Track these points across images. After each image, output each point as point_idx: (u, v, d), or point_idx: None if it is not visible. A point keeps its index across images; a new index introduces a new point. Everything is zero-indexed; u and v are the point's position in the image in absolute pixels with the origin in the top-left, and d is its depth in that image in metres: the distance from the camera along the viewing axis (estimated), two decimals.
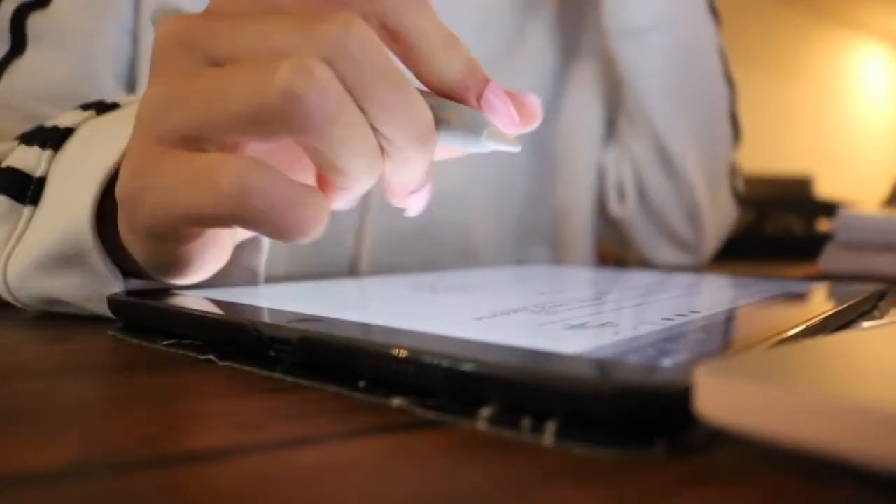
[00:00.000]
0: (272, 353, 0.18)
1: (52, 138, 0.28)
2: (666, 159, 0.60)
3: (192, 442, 0.13)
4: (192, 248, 0.22)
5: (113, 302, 0.24)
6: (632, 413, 0.13)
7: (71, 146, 0.27)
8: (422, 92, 0.21)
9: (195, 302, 0.23)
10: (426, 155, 0.21)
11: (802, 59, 3.93)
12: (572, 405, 0.13)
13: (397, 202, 0.23)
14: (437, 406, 0.15)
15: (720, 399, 0.11)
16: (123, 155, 0.23)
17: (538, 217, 0.62)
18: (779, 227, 1.71)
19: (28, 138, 0.29)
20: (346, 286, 0.30)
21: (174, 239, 0.21)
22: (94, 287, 0.25)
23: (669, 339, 0.17)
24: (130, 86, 0.49)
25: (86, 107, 0.30)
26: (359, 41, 0.18)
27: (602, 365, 0.14)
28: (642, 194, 0.63)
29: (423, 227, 0.55)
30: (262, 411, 0.15)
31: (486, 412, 0.14)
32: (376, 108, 0.19)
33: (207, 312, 0.21)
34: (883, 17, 4.08)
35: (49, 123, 0.29)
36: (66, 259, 0.24)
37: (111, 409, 0.15)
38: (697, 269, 0.60)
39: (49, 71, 0.45)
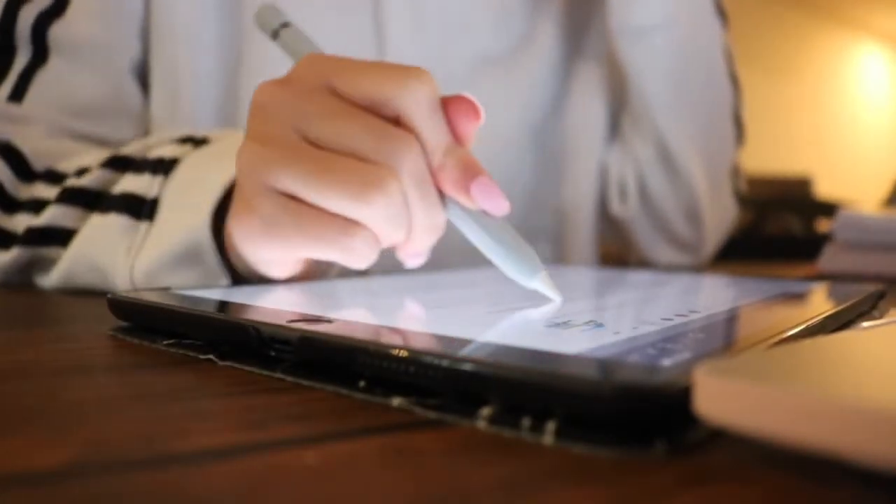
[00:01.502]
0: (272, 353, 0.18)
1: (162, 167, 0.34)
2: (668, 160, 0.60)
3: (192, 442, 0.13)
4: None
5: (113, 302, 0.24)
6: (632, 413, 0.13)
7: (179, 174, 0.33)
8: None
9: (195, 302, 0.23)
10: (431, 242, 0.29)
11: (802, 59, 3.93)
12: (572, 405, 0.13)
13: (403, 260, 0.30)
14: (437, 406, 0.15)
15: (720, 399, 0.11)
16: (231, 183, 0.31)
17: (541, 215, 0.62)
18: (778, 227, 1.71)
19: (136, 167, 0.35)
20: (347, 286, 0.30)
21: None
22: (208, 280, 0.31)
23: (669, 339, 0.17)
24: (142, 86, 0.50)
25: (181, 140, 0.36)
26: (412, 161, 0.26)
27: (602, 365, 0.14)
28: (644, 194, 0.62)
29: None
30: (262, 411, 0.15)
31: (486, 412, 0.14)
32: (413, 212, 0.27)
33: (208, 312, 0.21)
34: (883, 17, 4.08)
35: (152, 154, 0.35)
36: (186, 259, 0.31)
37: (111, 409, 0.15)
38: (697, 269, 0.60)
39: (75, 84, 0.47)
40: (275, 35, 0.31)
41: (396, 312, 0.23)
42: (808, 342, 0.15)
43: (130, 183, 0.34)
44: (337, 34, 0.51)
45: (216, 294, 0.25)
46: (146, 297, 0.24)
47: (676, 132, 0.59)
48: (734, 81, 0.62)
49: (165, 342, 0.21)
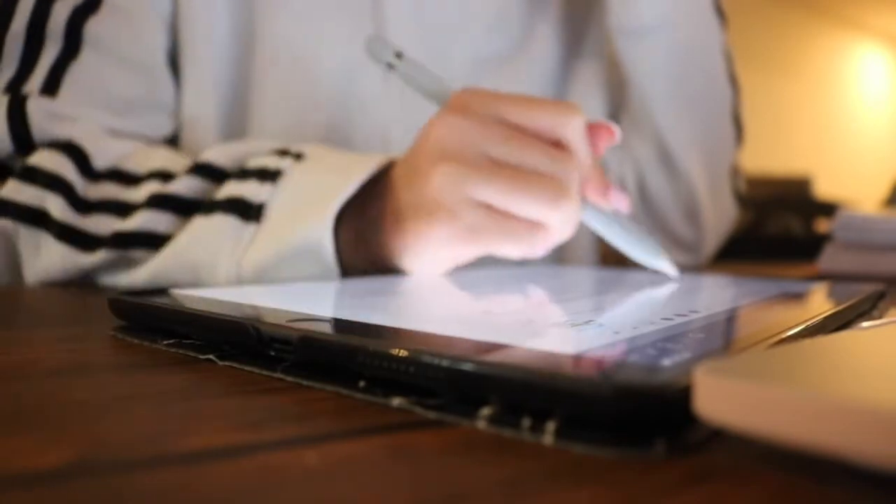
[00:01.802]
0: (272, 353, 0.18)
1: (268, 176, 0.37)
2: (667, 160, 0.60)
3: (192, 442, 0.13)
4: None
5: (113, 302, 0.24)
6: (632, 413, 0.13)
7: (288, 184, 0.36)
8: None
9: (195, 302, 0.23)
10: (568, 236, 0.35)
11: (802, 58, 3.93)
12: (572, 405, 0.13)
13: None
14: (437, 406, 0.15)
15: (720, 399, 0.11)
16: (354, 196, 0.36)
17: None
18: (778, 227, 1.71)
19: (237, 175, 0.37)
20: (347, 286, 0.30)
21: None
22: (320, 275, 0.35)
23: (669, 338, 0.17)
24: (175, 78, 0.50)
25: (280, 152, 0.38)
26: (577, 176, 0.33)
27: (602, 365, 0.14)
28: (643, 194, 0.63)
29: None
30: (262, 411, 0.15)
31: (486, 412, 0.14)
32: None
33: (208, 312, 0.21)
34: (882, 16, 4.08)
35: (252, 164, 0.38)
36: (300, 256, 0.34)
37: (111, 409, 0.15)
38: (697, 268, 0.60)
39: (112, 81, 0.46)
40: (390, 66, 0.37)
41: (397, 312, 0.23)
42: (808, 342, 0.15)
43: (235, 189, 0.37)
44: (338, 37, 0.52)
45: (216, 294, 0.25)
46: (146, 297, 0.24)
47: (676, 132, 0.59)
48: (733, 82, 0.62)
49: (165, 342, 0.21)
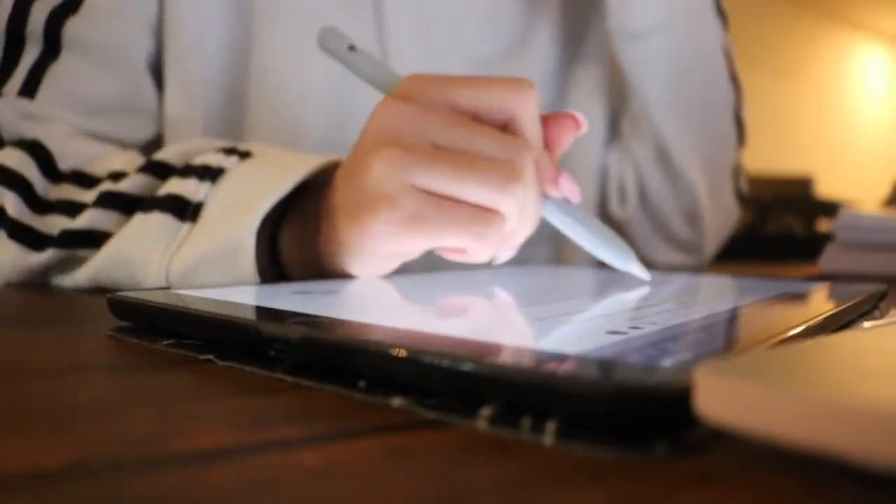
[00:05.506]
0: (272, 353, 0.18)
1: (208, 174, 0.35)
2: (667, 161, 0.60)
3: (192, 442, 0.13)
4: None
5: (113, 302, 0.24)
6: (632, 413, 0.12)
7: (227, 182, 0.35)
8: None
9: (195, 302, 0.23)
10: (529, 234, 0.34)
11: (803, 59, 3.93)
12: (573, 405, 0.13)
13: (498, 255, 0.34)
14: (438, 406, 0.15)
15: (720, 399, 0.11)
16: (285, 198, 0.34)
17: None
18: (779, 227, 1.71)
19: (180, 172, 0.36)
20: (347, 286, 0.30)
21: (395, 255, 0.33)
22: (238, 281, 0.32)
23: (670, 338, 0.17)
24: (157, 82, 0.50)
25: (226, 150, 0.37)
26: (531, 160, 0.31)
27: (602, 365, 0.14)
28: (643, 196, 0.62)
29: None
30: (261, 411, 0.15)
31: (486, 412, 0.14)
32: (528, 204, 0.31)
33: (207, 312, 0.21)
34: (884, 17, 4.08)
35: (196, 161, 0.36)
36: (222, 258, 0.32)
37: (111, 409, 0.15)
38: (697, 269, 0.60)
39: (91, 83, 0.46)
40: (342, 59, 0.35)
41: (397, 312, 0.23)
42: (809, 342, 0.15)
43: (175, 186, 0.35)
44: None
45: (216, 294, 0.25)
46: (146, 297, 0.24)
47: (675, 134, 0.59)
48: (735, 82, 0.61)
49: (165, 342, 0.21)
